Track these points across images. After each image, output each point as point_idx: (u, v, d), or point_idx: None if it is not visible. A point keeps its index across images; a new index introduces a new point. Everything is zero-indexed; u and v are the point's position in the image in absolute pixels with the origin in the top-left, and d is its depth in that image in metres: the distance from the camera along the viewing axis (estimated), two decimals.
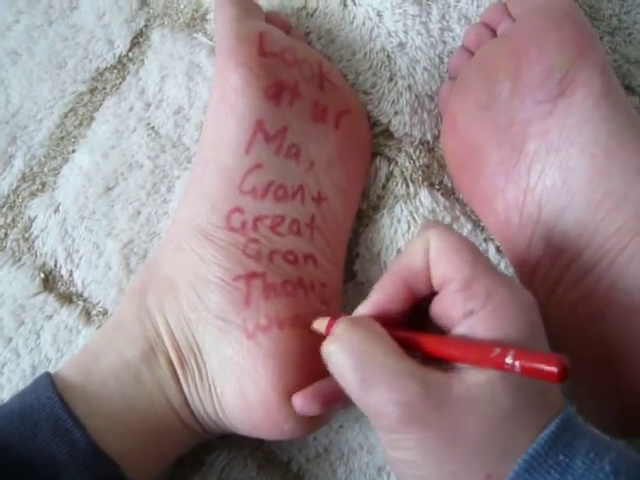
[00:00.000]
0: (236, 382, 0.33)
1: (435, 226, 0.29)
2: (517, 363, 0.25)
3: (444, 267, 0.28)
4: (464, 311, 0.27)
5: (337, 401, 0.32)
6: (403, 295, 0.29)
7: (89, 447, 0.31)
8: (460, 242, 0.28)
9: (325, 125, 0.38)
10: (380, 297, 0.30)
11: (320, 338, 0.34)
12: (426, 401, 0.26)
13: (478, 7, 0.43)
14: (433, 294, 0.29)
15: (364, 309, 0.30)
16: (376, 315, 0.29)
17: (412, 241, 0.30)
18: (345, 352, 0.27)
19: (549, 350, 0.28)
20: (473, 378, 0.26)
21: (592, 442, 0.26)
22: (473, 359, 0.26)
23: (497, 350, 0.25)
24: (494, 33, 0.39)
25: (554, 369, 0.24)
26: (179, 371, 0.34)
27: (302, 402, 0.32)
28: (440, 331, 0.29)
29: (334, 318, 0.31)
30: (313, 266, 0.36)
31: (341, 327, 0.29)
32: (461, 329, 0.27)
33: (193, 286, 0.34)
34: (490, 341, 0.26)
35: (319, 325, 0.32)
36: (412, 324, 0.31)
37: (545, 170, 0.35)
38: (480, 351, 0.26)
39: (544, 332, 0.28)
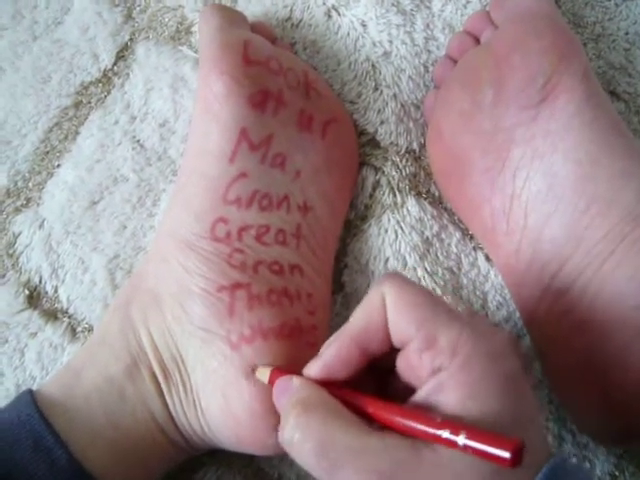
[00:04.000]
0: (220, 395, 0.32)
1: (389, 279, 0.27)
2: (468, 444, 0.23)
3: (404, 325, 0.27)
4: (432, 368, 0.26)
5: None
6: (356, 359, 0.28)
7: (70, 465, 0.30)
8: (417, 295, 0.27)
9: (311, 134, 0.38)
10: (330, 361, 0.28)
11: (304, 350, 0.33)
12: (395, 477, 0.24)
13: (462, 16, 0.43)
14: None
15: (314, 370, 0.28)
16: (326, 378, 0.28)
17: (366, 298, 0.28)
18: (307, 440, 0.26)
19: (529, 395, 0.26)
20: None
21: None
22: (423, 437, 0.24)
23: (447, 433, 0.23)
24: (477, 41, 0.39)
25: (506, 454, 0.22)
26: (163, 385, 0.33)
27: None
28: (408, 387, 0.28)
29: (276, 370, 0.30)
30: (299, 276, 0.35)
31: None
32: (429, 386, 0.26)
33: (177, 298, 0.34)
34: (447, 415, 0.25)
35: (261, 375, 0.31)
36: (376, 378, 0.29)
37: (530, 176, 0.34)
38: (430, 428, 0.24)
39: (522, 374, 0.27)
